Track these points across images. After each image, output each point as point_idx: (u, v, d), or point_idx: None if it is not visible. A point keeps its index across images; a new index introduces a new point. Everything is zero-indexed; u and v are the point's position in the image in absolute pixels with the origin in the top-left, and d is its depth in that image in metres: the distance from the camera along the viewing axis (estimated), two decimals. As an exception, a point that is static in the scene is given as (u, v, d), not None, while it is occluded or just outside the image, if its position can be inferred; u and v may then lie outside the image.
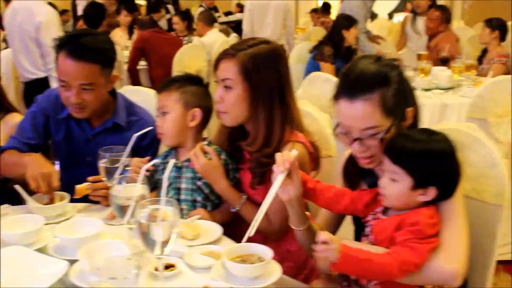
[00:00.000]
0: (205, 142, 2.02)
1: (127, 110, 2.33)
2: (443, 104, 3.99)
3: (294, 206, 1.60)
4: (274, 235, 1.95)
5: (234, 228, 1.94)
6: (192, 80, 2.09)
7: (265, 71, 1.86)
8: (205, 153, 1.97)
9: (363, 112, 1.48)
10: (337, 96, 1.53)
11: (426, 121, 3.85)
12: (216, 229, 1.80)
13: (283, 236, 1.98)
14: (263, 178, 1.92)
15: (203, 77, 2.12)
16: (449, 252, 1.42)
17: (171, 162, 1.53)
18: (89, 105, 2.16)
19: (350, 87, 1.50)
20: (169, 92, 2.04)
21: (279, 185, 1.51)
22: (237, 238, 1.63)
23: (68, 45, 2.09)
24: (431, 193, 1.45)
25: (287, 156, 1.53)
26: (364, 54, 1.59)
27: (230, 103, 1.89)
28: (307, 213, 1.66)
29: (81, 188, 1.97)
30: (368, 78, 1.48)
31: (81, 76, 2.09)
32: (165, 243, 1.33)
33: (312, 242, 1.52)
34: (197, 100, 2.05)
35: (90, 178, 1.97)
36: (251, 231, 1.46)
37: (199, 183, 2.03)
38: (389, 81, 1.49)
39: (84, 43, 2.09)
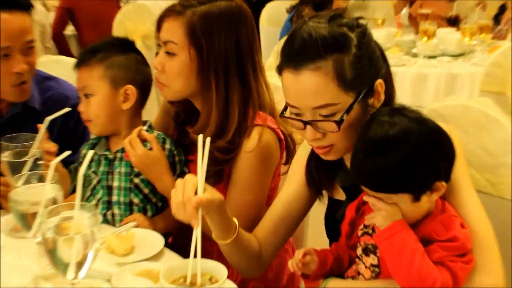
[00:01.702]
0: (145, 127, 2.02)
1: (39, 87, 2.31)
2: (450, 74, 4.05)
3: (214, 217, 1.59)
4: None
5: (182, 238, 1.91)
6: (121, 46, 2.06)
7: (219, 35, 1.87)
8: (144, 141, 1.96)
9: (313, 86, 1.47)
10: (281, 67, 1.53)
11: (430, 96, 3.99)
12: (157, 241, 1.79)
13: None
14: (220, 177, 1.93)
15: (149, 44, 2.09)
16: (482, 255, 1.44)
17: (89, 153, 1.50)
18: None
19: (294, 54, 1.49)
20: (90, 67, 2.01)
21: None
22: (188, 251, 1.58)
23: None
24: (440, 187, 1.44)
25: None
26: (315, 14, 1.57)
27: (172, 73, 1.90)
28: (234, 219, 1.65)
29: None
30: (317, 42, 1.46)
31: None
32: (80, 263, 1.31)
33: (242, 254, 1.60)
34: (129, 74, 2.02)
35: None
36: (195, 245, 1.43)
37: (136, 180, 2.01)
38: (346, 45, 1.48)
39: None
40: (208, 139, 1.50)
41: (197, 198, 1.45)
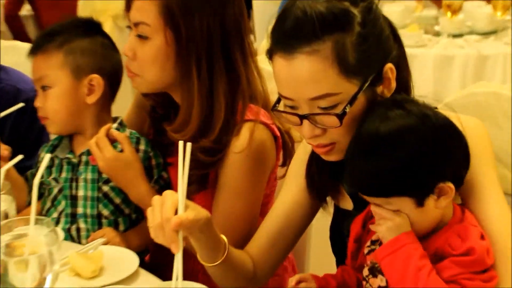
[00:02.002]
0: (114, 125, 2.02)
1: None
2: (480, 56, 4.04)
3: (199, 237, 1.59)
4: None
5: (162, 256, 1.89)
6: (84, 29, 2.07)
7: (200, 14, 1.86)
8: (114, 141, 1.97)
9: (309, 73, 1.46)
10: (271, 51, 1.53)
11: (456, 82, 4.00)
12: (130, 260, 1.80)
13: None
14: (204, 183, 1.94)
15: (122, 26, 2.10)
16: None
17: (46, 157, 1.52)
18: None
19: (286, 35, 1.48)
20: (47, 54, 2.02)
21: None
22: (168, 271, 1.59)
23: None
24: (447, 190, 1.44)
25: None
26: None
27: (145, 60, 1.90)
28: (223, 237, 1.66)
29: None
30: (313, 21, 1.45)
31: None
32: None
33: (233, 276, 1.62)
34: (94, 61, 2.03)
35: None
36: (177, 267, 1.44)
37: (105, 188, 2.02)
38: (348, 23, 1.47)
39: None
40: (189, 145, 1.50)
41: (177, 219, 1.44)
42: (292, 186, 1.78)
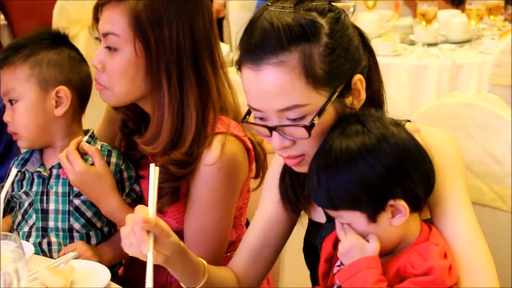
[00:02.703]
0: (86, 138, 2.01)
1: None
2: (455, 65, 4.05)
3: (177, 264, 1.59)
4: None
5: (135, 270, 1.96)
6: (51, 41, 2.06)
7: (170, 25, 1.86)
8: (84, 154, 1.96)
9: (276, 84, 1.47)
10: (239, 62, 1.54)
11: (431, 91, 4.01)
12: (102, 274, 1.77)
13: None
14: (176, 196, 1.92)
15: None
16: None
17: (13, 172, 1.47)
18: None
19: (253, 47, 1.49)
20: (13, 67, 2.01)
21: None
22: (141, 285, 1.65)
23: None
24: (400, 209, 1.46)
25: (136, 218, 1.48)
26: None
27: (115, 72, 1.88)
28: (202, 261, 1.66)
29: None
30: (279, 32, 1.46)
31: None
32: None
33: None
34: (61, 73, 2.02)
35: None
36: (149, 273, 1.41)
37: (76, 201, 2.01)
38: (315, 34, 1.47)
39: None
40: (157, 169, 1.51)
41: (145, 217, 1.45)
42: (267, 201, 1.77)
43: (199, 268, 1.64)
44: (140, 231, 1.44)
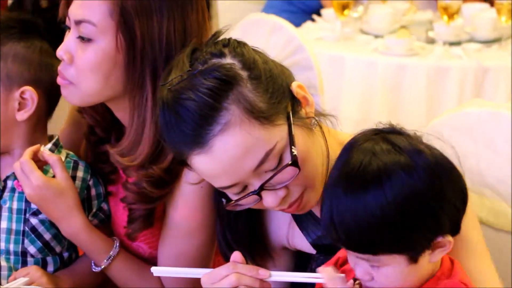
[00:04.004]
0: (48, 145, 1.94)
1: None
2: (480, 68, 3.97)
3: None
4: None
5: None
6: (19, 29, 1.98)
7: (161, 19, 1.79)
8: (45, 163, 1.88)
9: (237, 146, 1.47)
10: (181, 159, 1.55)
11: (452, 98, 3.95)
12: None
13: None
14: (149, 220, 1.88)
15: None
16: None
17: None
18: None
19: (189, 132, 1.49)
20: None
21: None
22: None
23: None
24: (445, 243, 1.43)
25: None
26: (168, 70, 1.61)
27: (85, 66, 1.79)
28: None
29: None
30: (202, 98, 1.47)
31: None
32: None
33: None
34: (29, 70, 1.95)
35: None
36: None
37: (33, 221, 1.93)
38: (234, 75, 1.49)
39: None
40: None
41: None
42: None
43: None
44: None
